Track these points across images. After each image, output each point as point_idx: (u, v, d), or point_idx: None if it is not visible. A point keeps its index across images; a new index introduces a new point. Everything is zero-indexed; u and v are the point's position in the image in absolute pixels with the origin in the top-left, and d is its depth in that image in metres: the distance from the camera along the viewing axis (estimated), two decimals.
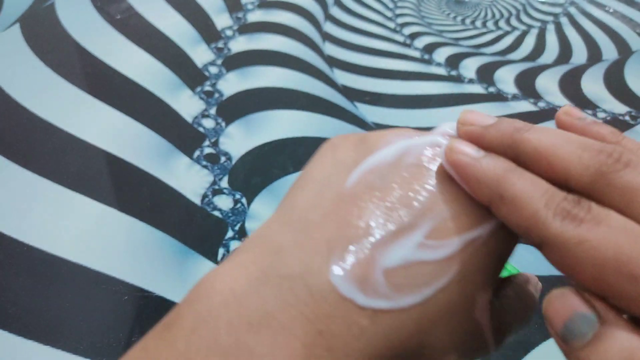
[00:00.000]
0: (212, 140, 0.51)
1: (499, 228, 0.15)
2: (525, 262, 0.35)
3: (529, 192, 0.14)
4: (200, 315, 0.15)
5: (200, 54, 0.63)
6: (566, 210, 0.13)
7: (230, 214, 0.44)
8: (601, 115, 0.61)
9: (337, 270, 0.14)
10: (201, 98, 0.56)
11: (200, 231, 0.42)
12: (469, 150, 0.16)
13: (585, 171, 0.14)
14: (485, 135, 0.16)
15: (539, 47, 0.76)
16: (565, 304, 0.13)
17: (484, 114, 0.17)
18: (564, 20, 0.84)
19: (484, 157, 0.15)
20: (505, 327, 0.17)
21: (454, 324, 0.15)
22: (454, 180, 0.17)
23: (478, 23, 0.82)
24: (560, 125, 0.17)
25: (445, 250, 0.15)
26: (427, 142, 0.17)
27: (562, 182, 0.14)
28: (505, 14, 0.85)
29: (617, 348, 0.12)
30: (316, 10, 0.77)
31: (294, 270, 0.15)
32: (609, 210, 0.13)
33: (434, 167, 0.16)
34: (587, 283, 0.13)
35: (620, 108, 0.62)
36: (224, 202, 0.45)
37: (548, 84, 0.66)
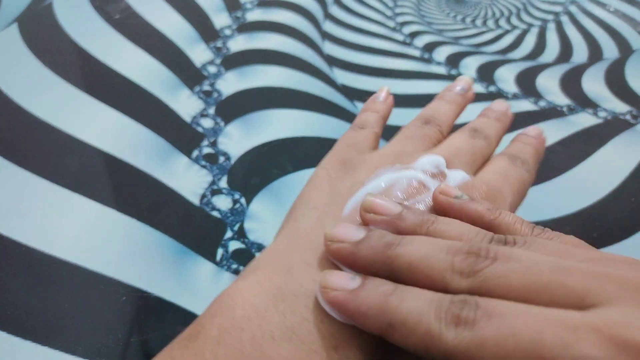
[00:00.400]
0: (211, 140, 0.51)
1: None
2: None
3: (415, 310, 0.14)
4: (224, 328, 0.15)
5: (199, 54, 0.63)
6: (456, 316, 0.13)
7: (229, 214, 0.44)
8: (602, 114, 0.61)
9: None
10: (200, 98, 0.56)
11: (199, 231, 0.42)
12: (343, 283, 0.15)
13: (460, 276, 0.14)
14: (356, 254, 0.16)
15: (540, 45, 0.76)
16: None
17: (351, 226, 0.17)
18: (564, 19, 0.84)
19: (360, 288, 0.15)
20: None
21: None
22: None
23: (478, 22, 0.82)
24: (439, 206, 0.18)
25: None
26: (408, 177, 0.20)
27: (442, 290, 0.14)
28: (506, 13, 0.85)
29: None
30: (315, 9, 0.77)
31: (307, 288, 0.16)
32: (494, 300, 0.13)
33: (417, 200, 0.19)
34: None
35: (621, 107, 0.62)
36: (223, 202, 0.45)
37: (549, 83, 0.66)
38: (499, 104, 0.29)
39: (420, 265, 0.15)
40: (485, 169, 0.23)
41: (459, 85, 0.29)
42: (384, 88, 0.29)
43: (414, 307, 0.14)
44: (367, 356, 0.16)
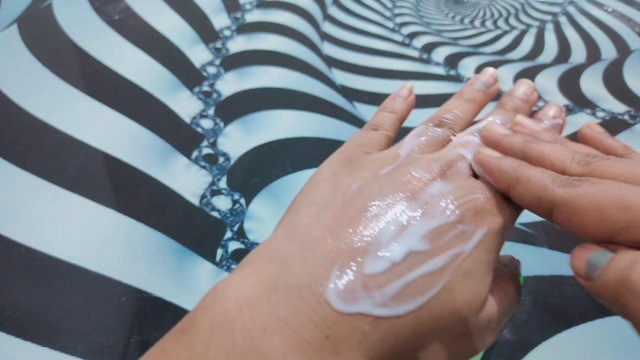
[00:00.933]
0: (211, 140, 0.51)
1: (482, 241, 0.18)
2: (526, 262, 0.35)
3: (539, 174, 0.19)
4: (216, 320, 0.15)
5: (199, 54, 0.63)
6: (568, 181, 0.18)
7: (228, 215, 0.44)
8: (600, 114, 0.61)
9: (335, 284, 0.16)
10: (199, 98, 0.56)
11: (199, 232, 0.42)
12: (491, 152, 0.21)
13: (577, 164, 0.19)
14: (502, 141, 0.22)
15: (538, 46, 0.76)
16: (584, 250, 0.17)
17: (502, 126, 0.23)
18: (562, 20, 0.84)
19: (502, 157, 0.20)
20: (496, 322, 0.18)
21: (445, 329, 0.17)
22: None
23: (477, 22, 0.82)
24: (582, 136, 0.23)
25: (435, 263, 0.17)
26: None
27: (561, 173, 0.19)
28: (504, 13, 0.85)
29: (625, 260, 0.15)
30: (315, 10, 0.77)
31: (302, 280, 0.16)
32: (600, 179, 0.17)
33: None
34: (592, 228, 0.16)
35: (619, 107, 0.62)
36: (223, 203, 0.45)
37: (547, 83, 0.66)
38: (521, 86, 0.29)
39: (549, 155, 0.20)
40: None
41: (482, 79, 0.28)
42: (407, 84, 0.29)
43: (538, 172, 0.19)
44: (361, 347, 0.16)
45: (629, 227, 0.16)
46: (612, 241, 0.16)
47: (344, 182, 0.20)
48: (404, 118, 0.28)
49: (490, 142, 0.22)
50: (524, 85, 0.29)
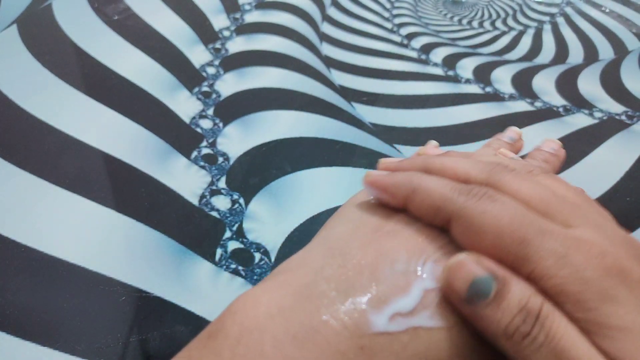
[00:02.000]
0: (210, 140, 0.51)
1: None
2: None
3: (438, 182, 0.18)
4: (246, 327, 0.15)
5: (198, 55, 0.63)
6: (468, 190, 0.17)
7: (228, 214, 0.44)
8: (598, 114, 0.61)
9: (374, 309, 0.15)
10: (199, 99, 0.56)
11: (198, 231, 0.42)
12: (381, 172, 0.20)
13: (481, 173, 0.18)
14: (400, 166, 0.21)
15: (536, 47, 0.76)
16: (466, 271, 0.15)
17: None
18: (560, 20, 0.84)
19: (394, 173, 0.19)
20: None
21: (487, 345, 0.16)
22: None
23: (475, 23, 0.82)
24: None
25: None
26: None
27: (463, 182, 0.18)
28: (502, 14, 0.85)
29: (516, 300, 0.14)
30: (313, 11, 0.77)
31: (338, 288, 0.16)
32: (502, 193, 0.17)
33: None
34: (486, 249, 0.15)
35: (616, 107, 0.63)
36: (222, 203, 0.45)
37: (545, 84, 0.67)
38: (550, 143, 0.29)
39: (451, 165, 0.19)
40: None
41: (508, 134, 0.29)
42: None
43: (437, 181, 0.18)
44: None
45: (523, 261, 0.15)
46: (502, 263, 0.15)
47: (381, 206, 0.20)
48: None
49: (386, 167, 0.22)
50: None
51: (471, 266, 0.15)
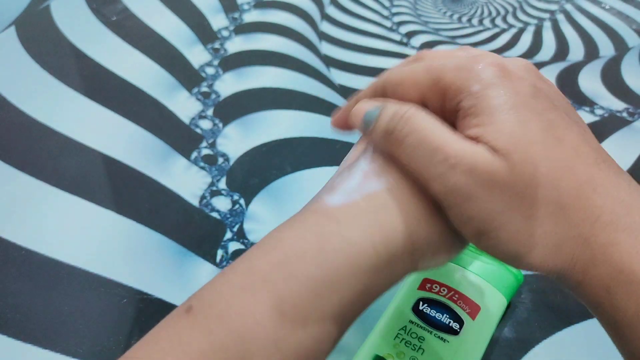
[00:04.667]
0: (210, 141, 0.51)
1: None
2: None
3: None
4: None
5: (197, 55, 0.63)
6: (413, 59, 0.25)
7: (228, 215, 0.44)
8: (599, 112, 0.61)
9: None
10: (198, 99, 0.56)
11: (199, 233, 0.42)
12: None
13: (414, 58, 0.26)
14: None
15: (536, 44, 0.76)
16: (359, 110, 0.22)
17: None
18: (560, 17, 0.84)
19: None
20: None
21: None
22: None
23: (474, 21, 0.82)
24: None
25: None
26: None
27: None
28: (502, 12, 0.85)
29: (390, 111, 0.20)
30: (312, 9, 0.77)
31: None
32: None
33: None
34: (407, 93, 0.22)
35: (617, 104, 0.62)
36: (222, 204, 0.45)
37: None
38: None
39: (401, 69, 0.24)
40: None
41: None
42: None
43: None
44: None
45: (432, 86, 0.20)
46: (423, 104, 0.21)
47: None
48: None
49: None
50: None
51: (363, 106, 0.22)
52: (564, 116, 0.19)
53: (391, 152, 0.20)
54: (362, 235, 0.18)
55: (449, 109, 0.20)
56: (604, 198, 0.18)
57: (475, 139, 0.18)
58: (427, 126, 0.19)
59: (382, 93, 0.23)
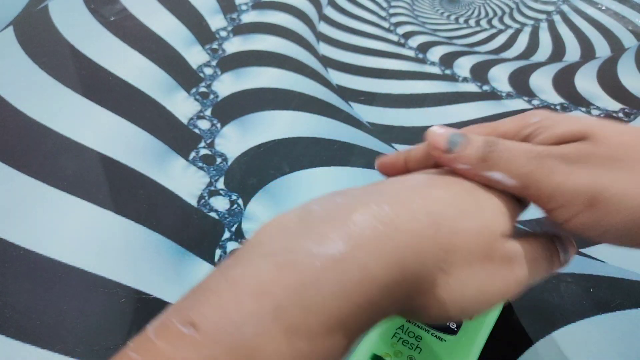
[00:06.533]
0: (208, 141, 0.51)
1: None
2: None
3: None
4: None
5: (195, 55, 0.63)
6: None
7: (226, 215, 0.44)
8: (595, 112, 0.61)
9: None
10: (196, 99, 0.56)
11: (197, 233, 0.42)
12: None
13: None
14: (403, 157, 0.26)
15: (533, 45, 0.76)
16: (442, 132, 0.23)
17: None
18: (557, 18, 0.84)
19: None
20: None
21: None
22: None
23: (472, 22, 0.82)
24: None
25: None
26: None
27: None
28: (499, 12, 0.85)
29: (480, 140, 0.22)
30: (310, 10, 0.77)
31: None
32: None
33: None
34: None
35: (613, 105, 0.63)
36: (221, 204, 0.45)
37: (542, 82, 0.67)
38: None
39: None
40: None
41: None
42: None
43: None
44: None
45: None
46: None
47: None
48: None
49: (385, 163, 0.27)
50: None
51: (444, 130, 0.23)
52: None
53: (487, 172, 0.21)
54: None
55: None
56: None
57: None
58: (514, 147, 0.21)
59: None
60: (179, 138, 0.51)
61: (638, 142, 0.20)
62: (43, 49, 0.60)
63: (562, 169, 0.20)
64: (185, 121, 0.53)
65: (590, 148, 0.20)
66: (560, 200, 0.20)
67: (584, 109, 0.62)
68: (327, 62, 0.66)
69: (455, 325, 0.31)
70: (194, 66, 0.61)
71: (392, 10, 0.83)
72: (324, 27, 0.74)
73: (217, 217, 0.44)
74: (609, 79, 0.68)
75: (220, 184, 0.47)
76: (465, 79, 0.66)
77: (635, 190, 0.19)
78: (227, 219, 0.43)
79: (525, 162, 0.20)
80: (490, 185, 0.21)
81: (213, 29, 0.69)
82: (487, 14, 0.85)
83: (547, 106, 0.62)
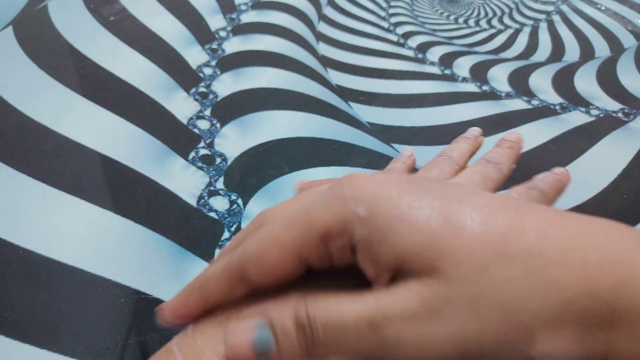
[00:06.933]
0: (207, 141, 0.51)
1: None
2: None
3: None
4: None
5: (195, 55, 0.63)
6: None
7: (226, 215, 0.44)
8: (594, 112, 0.61)
9: None
10: (196, 99, 0.56)
11: (197, 232, 0.42)
12: None
13: None
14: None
15: (532, 45, 0.77)
16: (241, 337, 0.15)
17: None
18: (556, 18, 0.84)
19: None
20: None
21: None
22: None
23: (471, 22, 0.82)
24: None
25: None
26: None
27: None
28: (498, 13, 0.85)
29: (287, 319, 0.15)
30: (310, 10, 0.77)
31: None
32: None
33: None
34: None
35: (613, 105, 0.63)
36: (220, 203, 0.45)
37: (541, 82, 0.67)
38: (510, 134, 0.29)
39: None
40: (459, 175, 0.24)
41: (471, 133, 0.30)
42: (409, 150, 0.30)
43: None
44: None
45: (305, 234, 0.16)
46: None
47: None
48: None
49: None
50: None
51: (243, 329, 0.15)
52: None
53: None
54: None
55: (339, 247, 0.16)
56: None
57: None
58: (330, 304, 0.15)
59: (240, 277, 0.16)
60: (178, 138, 0.51)
61: (502, 264, 0.13)
62: (42, 49, 0.60)
63: (412, 336, 0.13)
64: (184, 121, 0.53)
65: (438, 290, 0.13)
66: None
67: (583, 109, 0.62)
68: (327, 62, 0.66)
69: None
70: (194, 66, 0.61)
71: (391, 10, 0.83)
72: (323, 27, 0.74)
73: (216, 217, 0.44)
74: (608, 79, 0.68)
75: (220, 184, 0.47)
76: (464, 79, 0.66)
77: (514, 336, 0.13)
78: (227, 219, 0.43)
79: (357, 342, 0.14)
80: None
81: (213, 29, 0.69)
82: (486, 14, 0.85)
83: (547, 106, 0.62)
